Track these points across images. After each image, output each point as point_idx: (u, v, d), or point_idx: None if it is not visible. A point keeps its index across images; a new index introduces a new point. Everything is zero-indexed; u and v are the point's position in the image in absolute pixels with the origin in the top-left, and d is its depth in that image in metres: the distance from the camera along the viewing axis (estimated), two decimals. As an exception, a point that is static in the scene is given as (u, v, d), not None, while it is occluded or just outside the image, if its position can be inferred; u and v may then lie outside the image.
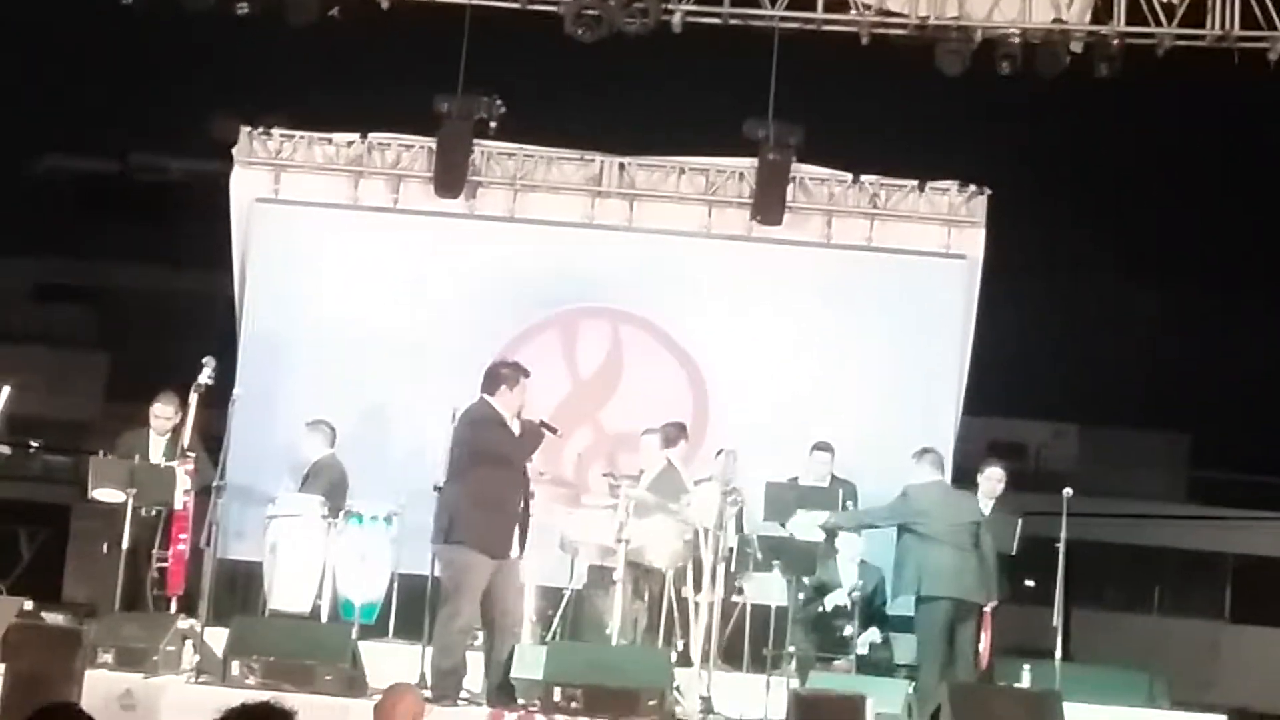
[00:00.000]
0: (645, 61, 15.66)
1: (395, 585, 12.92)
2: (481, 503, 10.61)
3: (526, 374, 10.94)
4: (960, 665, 12.00)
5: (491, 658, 10.74)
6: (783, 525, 12.92)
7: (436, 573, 10.93)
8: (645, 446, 13.09)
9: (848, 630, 12.74)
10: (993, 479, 13.16)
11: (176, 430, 12.74)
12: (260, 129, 15.82)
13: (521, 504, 10.83)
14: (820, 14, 14.46)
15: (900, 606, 13.01)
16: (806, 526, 12.83)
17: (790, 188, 15.45)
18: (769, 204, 15.29)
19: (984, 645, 12.68)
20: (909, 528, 12.20)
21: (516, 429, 10.82)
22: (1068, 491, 11.99)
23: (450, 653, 10.61)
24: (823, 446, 13.79)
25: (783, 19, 14.45)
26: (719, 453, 12.55)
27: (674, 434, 13.13)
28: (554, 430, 11.13)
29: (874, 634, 13.00)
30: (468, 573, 10.55)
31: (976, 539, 12.28)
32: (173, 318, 25.45)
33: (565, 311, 15.52)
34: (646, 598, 12.17)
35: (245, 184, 15.76)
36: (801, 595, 12.66)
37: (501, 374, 10.92)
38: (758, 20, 14.54)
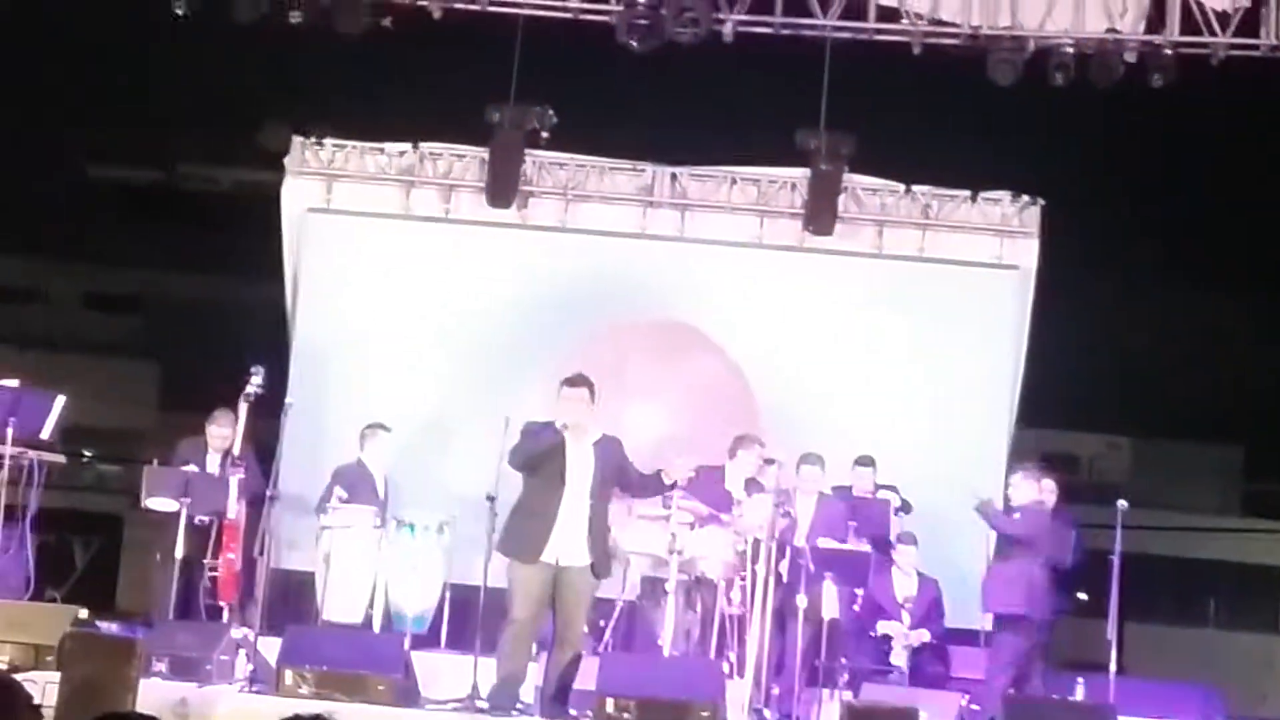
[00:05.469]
0: (697, 71, 15.61)
1: (447, 595, 12.91)
2: (517, 509, 10.68)
3: (565, 383, 10.80)
4: (1025, 681, 12.02)
5: (549, 668, 10.73)
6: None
7: (490, 582, 10.91)
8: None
9: (903, 642, 12.68)
10: (1046, 490, 13.08)
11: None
12: (312, 138, 15.89)
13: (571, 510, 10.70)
14: (872, 24, 14.36)
15: (956, 619, 12.97)
16: None
17: (842, 198, 15.39)
18: (821, 214, 15.24)
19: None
20: (1013, 543, 12.23)
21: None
22: (1122, 504, 11.90)
23: (506, 661, 10.60)
24: (864, 461, 13.74)
25: (835, 29, 14.36)
26: (770, 463, 12.50)
27: (732, 445, 13.11)
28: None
29: (926, 639, 12.97)
30: (515, 581, 10.57)
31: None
32: (223, 327, 25.48)
33: (616, 325, 15.46)
34: (699, 609, 12.12)
35: (297, 193, 15.82)
36: (855, 607, 12.61)
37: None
38: (809, 30, 14.45)
